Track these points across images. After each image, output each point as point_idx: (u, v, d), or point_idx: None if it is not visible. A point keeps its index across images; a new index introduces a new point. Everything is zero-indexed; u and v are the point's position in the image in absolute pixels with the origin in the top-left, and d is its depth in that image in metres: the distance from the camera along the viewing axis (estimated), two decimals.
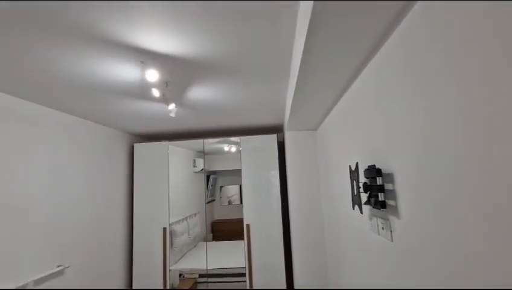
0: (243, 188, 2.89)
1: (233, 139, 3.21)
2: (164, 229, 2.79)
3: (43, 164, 1.82)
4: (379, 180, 0.91)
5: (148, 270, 2.72)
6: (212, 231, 4.43)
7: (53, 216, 1.87)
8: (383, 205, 0.88)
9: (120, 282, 2.57)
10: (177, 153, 3.29)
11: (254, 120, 2.73)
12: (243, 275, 2.74)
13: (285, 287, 2.51)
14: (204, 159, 3.41)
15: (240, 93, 1.84)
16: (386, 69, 0.84)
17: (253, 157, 2.85)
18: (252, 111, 2.35)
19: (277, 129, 3.29)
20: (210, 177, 3.96)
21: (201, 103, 2.03)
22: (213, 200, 4.09)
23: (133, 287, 2.67)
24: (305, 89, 1.30)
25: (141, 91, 1.70)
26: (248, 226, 2.68)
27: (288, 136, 2.39)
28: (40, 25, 1.01)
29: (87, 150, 2.25)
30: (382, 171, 0.91)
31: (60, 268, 1.86)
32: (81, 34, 1.08)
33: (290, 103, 1.57)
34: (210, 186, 3.96)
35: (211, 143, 3.30)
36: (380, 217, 0.97)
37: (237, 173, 3.16)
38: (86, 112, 2.06)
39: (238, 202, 3.93)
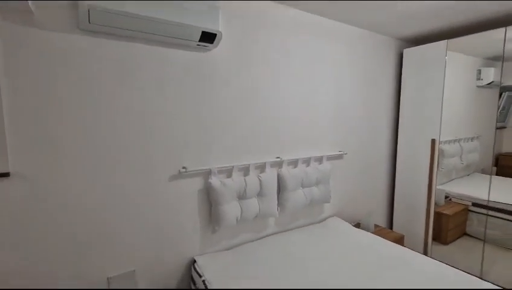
0: None
1: None
2: (433, 140, 2.57)
3: (330, 69, 2.25)
4: None
5: (410, 176, 2.74)
6: (497, 165, 3.46)
7: (337, 112, 2.34)
8: None
9: (383, 170, 2.82)
10: (456, 60, 2.68)
11: None
12: None
13: None
14: (502, 65, 2.51)
15: None
16: None
17: None
18: None
19: None
20: (503, 95, 2.93)
21: None
22: (503, 127, 3.07)
23: (396, 185, 2.83)
24: None
25: None
26: None
27: None
28: None
29: (360, 56, 2.45)
30: None
31: (341, 153, 2.37)
32: None
33: None
34: (500, 109, 2.96)
35: None
36: None
37: None
38: (360, 19, 2.18)
39: None
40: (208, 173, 1.72)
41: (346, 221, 2.34)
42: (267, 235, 2.03)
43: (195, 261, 1.69)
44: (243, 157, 1.86)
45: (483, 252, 2.52)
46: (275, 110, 1.98)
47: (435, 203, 2.72)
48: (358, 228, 2.33)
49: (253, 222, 1.93)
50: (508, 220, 2.59)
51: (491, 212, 2.67)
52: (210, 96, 1.70)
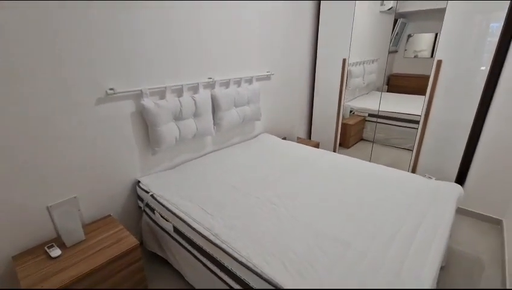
0: (440, 37, 2.17)
1: None
2: (344, 59, 2.94)
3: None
4: None
5: (325, 95, 3.16)
6: (388, 84, 4.25)
7: (264, 35, 2.39)
8: None
9: (304, 90, 3.18)
10: None
11: None
12: (416, 122, 2.67)
13: (463, 147, 2.20)
14: None
15: None
16: None
17: None
18: None
19: None
20: (398, 21, 3.41)
21: None
22: (395, 51, 3.68)
23: (314, 103, 3.25)
24: None
25: None
26: (440, 62, 2.23)
27: None
28: None
29: None
30: None
31: (268, 74, 2.54)
32: None
33: None
34: (395, 34, 3.49)
35: None
36: None
37: (438, 15, 2.51)
38: None
39: (428, 56, 3.35)
40: (140, 95, 1.65)
41: (275, 135, 2.66)
42: (207, 153, 2.19)
43: (139, 181, 1.75)
44: (175, 78, 1.83)
45: (371, 150, 3.30)
46: (206, 32, 1.92)
47: (342, 117, 3.28)
48: (285, 140, 2.70)
49: (191, 141, 2.03)
50: (390, 124, 3.38)
51: (379, 120, 3.42)
52: (136, 16, 1.51)
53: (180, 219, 1.42)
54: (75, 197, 1.50)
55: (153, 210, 1.63)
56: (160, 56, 1.71)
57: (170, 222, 1.49)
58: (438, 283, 1.55)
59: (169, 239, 1.55)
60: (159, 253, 1.71)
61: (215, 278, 1.29)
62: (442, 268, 1.69)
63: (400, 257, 1.13)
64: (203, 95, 1.93)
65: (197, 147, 2.12)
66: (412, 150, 2.66)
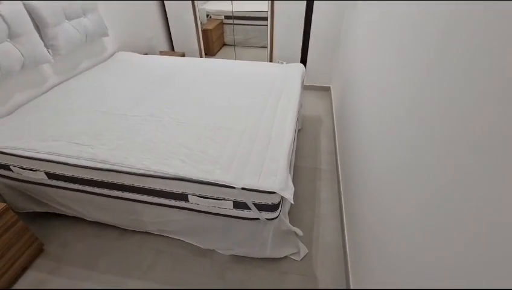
0: None
1: None
2: None
3: None
4: None
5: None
6: None
7: None
8: None
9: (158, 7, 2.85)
10: None
11: None
12: (265, 19, 2.90)
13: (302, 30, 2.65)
14: None
15: None
16: None
17: None
18: None
19: None
20: None
21: None
22: None
23: (167, 11, 2.92)
24: None
25: None
26: None
27: None
28: None
29: None
30: None
31: None
32: None
33: None
34: None
35: None
36: None
37: None
38: None
39: None
40: None
41: (134, 52, 2.37)
42: (53, 87, 1.77)
43: None
44: None
45: (235, 53, 3.49)
46: None
47: (201, 22, 3.16)
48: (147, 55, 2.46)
49: (23, 74, 1.57)
50: (246, 24, 3.55)
51: (236, 22, 3.52)
52: None
53: (52, 161, 1.23)
54: None
55: (6, 167, 1.32)
56: None
57: (40, 170, 1.28)
58: (297, 141, 2.11)
59: (47, 189, 1.36)
60: (39, 209, 1.49)
61: (119, 200, 1.30)
62: (299, 130, 2.27)
63: (268, 126, 1.43)
64: (11, 6, 1.41)
65: (35, 80, 1.67)
66: (267, 47, 2.99)
